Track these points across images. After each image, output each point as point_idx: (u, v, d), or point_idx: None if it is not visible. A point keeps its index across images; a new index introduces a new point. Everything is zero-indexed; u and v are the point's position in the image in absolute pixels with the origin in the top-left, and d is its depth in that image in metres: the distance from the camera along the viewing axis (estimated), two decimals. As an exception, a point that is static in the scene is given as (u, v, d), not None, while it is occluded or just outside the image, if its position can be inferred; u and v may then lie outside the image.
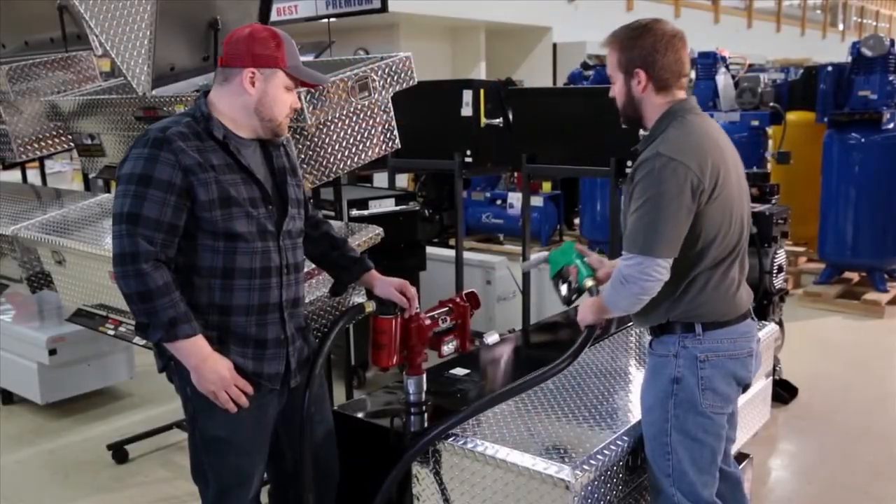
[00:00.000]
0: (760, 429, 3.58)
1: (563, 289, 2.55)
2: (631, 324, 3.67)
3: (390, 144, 3.35)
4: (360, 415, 2.85)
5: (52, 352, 4.37)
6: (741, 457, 3.16)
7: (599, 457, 2.37)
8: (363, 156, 3.26)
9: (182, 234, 2.13)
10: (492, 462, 2.37)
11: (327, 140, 3.12)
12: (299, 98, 2.81)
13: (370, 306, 2.47)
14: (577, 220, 9.53)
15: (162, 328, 2.07)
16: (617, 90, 2.32)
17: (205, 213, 2.12)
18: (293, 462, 2.45)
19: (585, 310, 2.41)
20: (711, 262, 2.24)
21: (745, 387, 2.38)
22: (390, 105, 3.31)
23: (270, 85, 2.19)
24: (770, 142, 7.65)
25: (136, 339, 3.24)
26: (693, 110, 2.27)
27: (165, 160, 2.08)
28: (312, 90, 2.88)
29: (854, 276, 7.10)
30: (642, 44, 2.24)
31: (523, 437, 2.47)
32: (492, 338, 3.45)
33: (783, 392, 4.53)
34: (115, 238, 2.08)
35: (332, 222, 2.73)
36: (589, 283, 2.45)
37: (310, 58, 5.16)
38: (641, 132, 2.40)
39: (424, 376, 2.59)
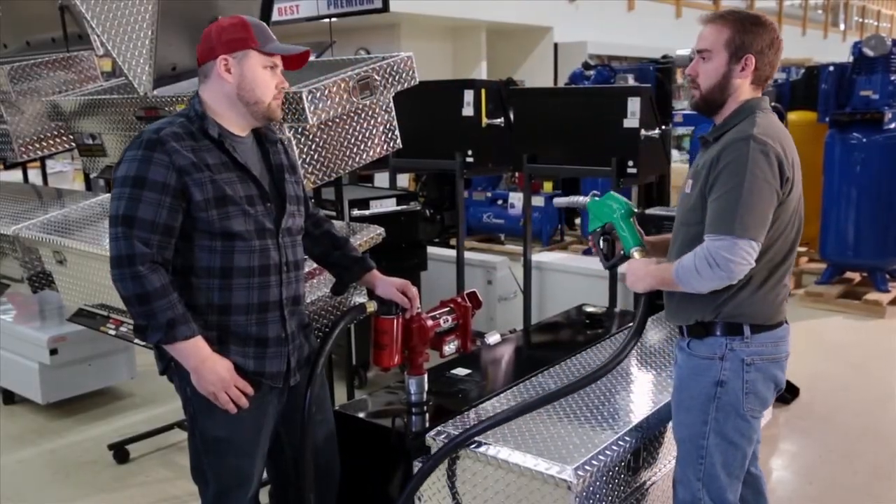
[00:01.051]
0: (762, 429, 3.57)
1: (604, 247, 2.45)
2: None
3: (392, 144, 3.35)
4: (361, 415, 2.84)
5: (54, 351, 4.37)
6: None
7: (601, 457, 2.37)
8: (364, 156, 3.26)
9: (179, 235, 2.13)
10: (493, 462, 2.37)
11: (329, 140, 3.12)
12: (301, 97, 2.83)
13: (371, 306, 2.46)
14: (577, 220, 9.52)
15: (160, 330, 2.06)
16: (710, 68, 2.24)
17: (201, 213, 2.12)
18: (294, 462, 2.44)
19: (641, 273, 2.30)
20: (768, 263, 2.20)
21: (779, 390, 2.36)
22: (391, 105, 3.31)
23: (245, 67, 2.18)
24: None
25: (137, 340, 3.23)
26: (769, 109, 2.26)
27: (159, 161, 2.07)
28: (314, 90, 2.88)
29: (855, 277, 7.08)
30: (762, 33, 2.21)
31: (525, 438, 2.47)
32: (493, 338, 3.45)
33: (785, 392, 4.52)
34: (111, 241, 2.08)
35: (334, 222, 2.73)
36: (636, 254, 2.37)
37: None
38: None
39: (426, 376, 2.59)
